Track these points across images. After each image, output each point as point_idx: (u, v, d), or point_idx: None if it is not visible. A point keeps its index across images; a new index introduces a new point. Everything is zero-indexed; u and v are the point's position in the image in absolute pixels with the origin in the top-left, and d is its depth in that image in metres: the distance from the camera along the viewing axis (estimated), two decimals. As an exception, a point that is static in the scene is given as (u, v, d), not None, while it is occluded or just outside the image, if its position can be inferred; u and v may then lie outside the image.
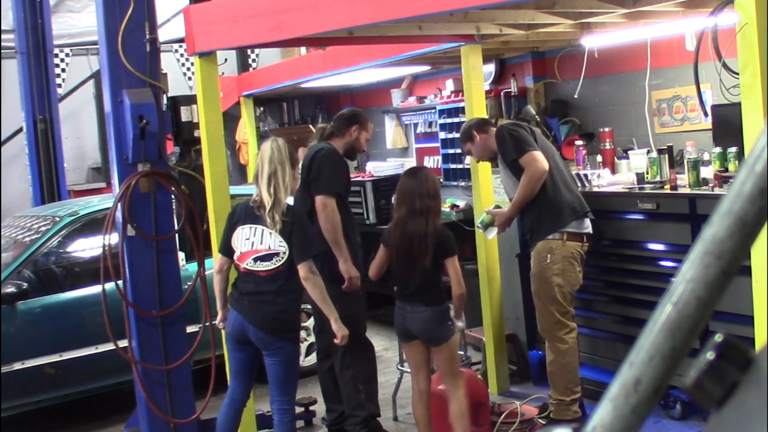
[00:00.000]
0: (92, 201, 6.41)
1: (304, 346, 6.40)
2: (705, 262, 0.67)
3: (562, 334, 4.78)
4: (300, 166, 5.04)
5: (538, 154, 4.72)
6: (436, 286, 4.42)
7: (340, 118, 5.13)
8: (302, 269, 4.09)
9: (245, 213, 4.23)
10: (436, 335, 4.39)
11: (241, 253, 4.21)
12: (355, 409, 4.97)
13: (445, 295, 4.45)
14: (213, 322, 4.54)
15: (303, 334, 6.38)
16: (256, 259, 4.15)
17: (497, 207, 5.21)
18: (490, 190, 5.75)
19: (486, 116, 5.89)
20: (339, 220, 4.78)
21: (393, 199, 7.92)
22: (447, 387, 4.47)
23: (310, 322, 6.00)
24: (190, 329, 4.85)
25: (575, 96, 6.43)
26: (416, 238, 4.29)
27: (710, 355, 0.68)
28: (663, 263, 4.93)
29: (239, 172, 9.90)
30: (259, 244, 4.15)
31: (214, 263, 4.47)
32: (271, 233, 4.11)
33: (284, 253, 4.11)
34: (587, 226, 4.88)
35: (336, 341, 4.27)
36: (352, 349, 4.81)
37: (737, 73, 3.54)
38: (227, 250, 4.28)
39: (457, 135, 7.86)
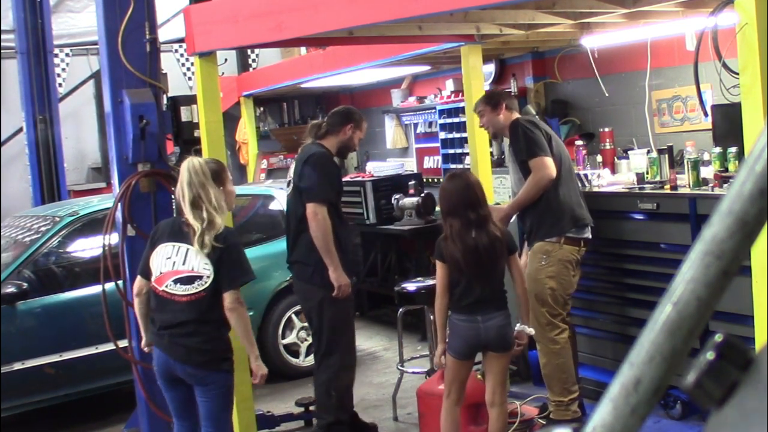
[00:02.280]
0: (92, 201, 6.41)
1: (304, 346, 6.40)
2: (705, 262, 0.67)
3: (554, 335, 4.77)
4: (291, 170, 5.06)
5: (549, 161, 4.69)
6: (503, 288, 4.23)
7: (336, 115, 5.07)
8: (228, 298, 3.69)
9: (170, 229, 3.83)
10: (510, 340, 4.17)
11: (160, 273, 3.76)
12: (322, 411, 4.98)
13: None
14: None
15: (303, 334, 6.38)
16: (176, 281, 3.71)
17: (497, 204, 5.20)
18: (490, 190, 5.75)
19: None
20: (330, 228, 4.74)
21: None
22: (496, 398, 4.22)
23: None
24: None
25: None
26: (483, 249, 4.08)
27: (710, 355, 0.68)
28: (663, 263, 4.93)
29: (239, 172, 9.90)
30: (181, 264, 3.72)
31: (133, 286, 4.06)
32: (196, 253, 3.69)
33: (208, 277, 3.68)
34: (587, 232, 4.87)
35: (254, 381, 3.92)
36: (335, 355, 4.85)
37: (737, 73, 3.54)
38: (146, 271, 3.85)
39: (457, 135, 7.88)
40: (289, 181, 5.04)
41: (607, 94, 6.51)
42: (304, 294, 4.98)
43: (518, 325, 4.23)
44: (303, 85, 8.26)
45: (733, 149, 4.64)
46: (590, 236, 4.87)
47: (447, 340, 4.21)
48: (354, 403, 5.12)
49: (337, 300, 4.76)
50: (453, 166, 8.02)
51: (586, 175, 5.57)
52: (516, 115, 4.96)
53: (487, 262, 4.11)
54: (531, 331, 4.29)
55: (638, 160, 5.58)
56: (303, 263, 4.88)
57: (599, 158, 6.02)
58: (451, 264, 4.13)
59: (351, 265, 4.98)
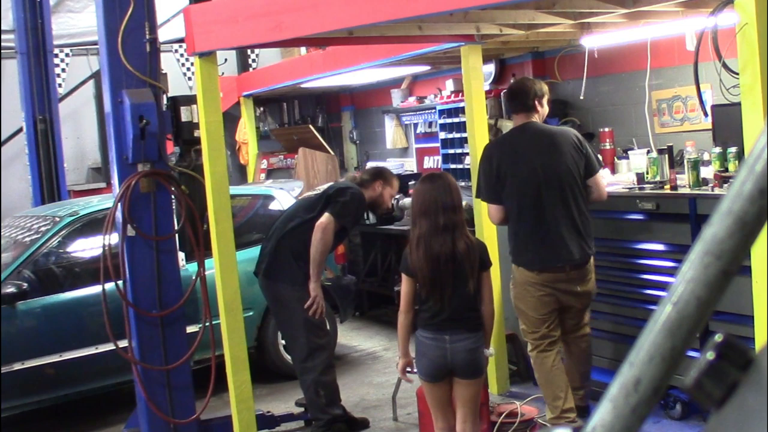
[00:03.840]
0: (92, 201, 6.41)
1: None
2: (705, 262, 0.67)
3: (529, 350, 4.76)
4: (320, 188, 5.32)
5: (490, 208, 4.73)
6: (478, 308, 3.89)
7: (367, 172, 5.40)
8: None
9: None
10: (480, 366, 3.90)
11: None
12: (317, 413, 5.06)
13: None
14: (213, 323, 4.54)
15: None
16: None
17: None
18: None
19: (487, 115, 5.89)
20: (330, 245, 4.97)
21: (407, 208, 7.83)
22: (467, 429, 3.96)
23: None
24: (190, 329, 4.85)
25: (581, 97, 6.42)
26: (449, 257, 3.75)
27: (710, 355, 0.68)
28: (663, 263, 4.93)
29: (239, 172, 9.90)
30: None
31: None
32: None
33: None
34: (551, 265, 4.58)
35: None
36: (312, 355, 4.98)
37: (737, 73, 3.54)
38: None
39: (457, 135, 7.88)
40: (305, 194, 5.29)
41: (581, 97, 6.51)
42: (277, 293, 5.11)
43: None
44: (303, 85, 8.26)
45: (733, 149, 4.64)
46: (562, 265, 4.56)
47: (414, 357, 3.98)
48: (354, 402, 5.14)
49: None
50: (453, 166, 8.02)
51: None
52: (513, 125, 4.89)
53: (453, 273, 3.77)
54: (490, 353, 3.98)
55: (638, 160, 5.58)
56: (284, 265, 5.04)
57: (599, 158, 6.01)
58: (418, 275, 3.81)
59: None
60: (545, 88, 4.78)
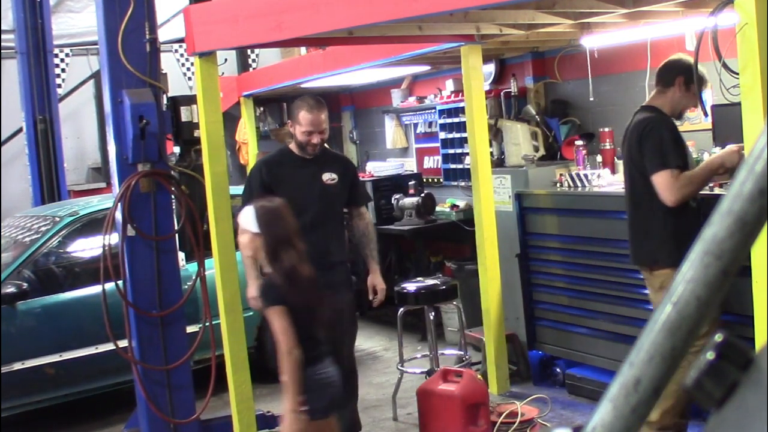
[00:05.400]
0: (92, 201, 6.42)
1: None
2: (705, 262, 0.67)
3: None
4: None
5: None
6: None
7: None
8: None
9: None
10: None
11: None
12: None
13: None
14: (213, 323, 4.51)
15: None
16: None
17: None
18: (490, 190, 5.75)
19: (487, 115, 5.88)
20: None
21: (407, 208, 7.72)
22: None
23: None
24: (190, 329, 4.85)
25: (590, 98, 6.40)
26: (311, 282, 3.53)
27: (710, 355, 0.68)
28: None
29: (239, 172, 9.89)
30: None
31: None
32: None
33: None
34: None
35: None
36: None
37: (737, 73, 3.54)
38: None
39: (457, 135, 7.87)
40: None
41: (583, 97, 6.51)
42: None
43: None
44: (303, 85, 8.25)
45: (733, 149, 4.62)
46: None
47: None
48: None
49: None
50: (453, 166, 8.01)
51: (586, 175, 5.58)
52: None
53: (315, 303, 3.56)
54: None
55: (638, 160, 5.58)
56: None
57: (599, 158, 6.01)
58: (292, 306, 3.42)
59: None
60: (704, 77, 4.26)
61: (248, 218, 3.48)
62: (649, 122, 4.18)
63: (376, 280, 4.98)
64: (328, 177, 4.73)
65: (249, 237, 3.49)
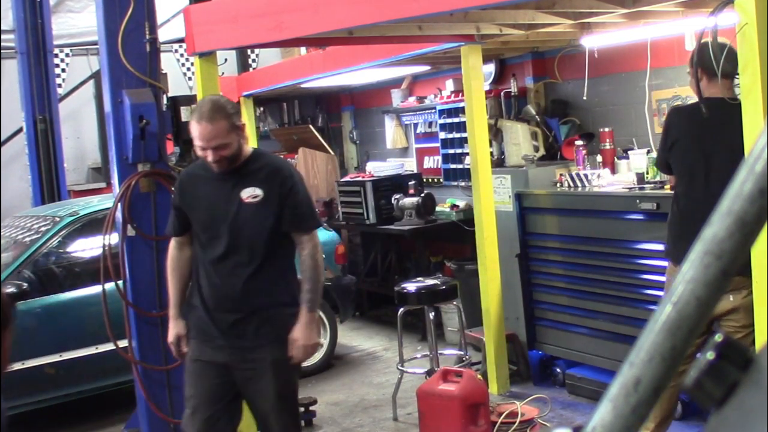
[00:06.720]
0: (92, 201, 6.41)
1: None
2: (705, 262, 0.67)
3: None
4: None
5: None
6: None
7: None
8: None
9: None
10: None
11: None
12: None
13: None
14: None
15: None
16: None
17: None
18: (490, 190, 5.75)
19: (487, 115, 5.87)
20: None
21: (407, 208, 7.76)
22: None
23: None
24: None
25: (584, 98, 6.40)
26: None
27: (710, 355, 0.68)
28: (663, 263, 4.92)
29: (239, 172, 9.88)
30: None
31: None
32: None
33: None
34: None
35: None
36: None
37: (737, 73, 3.54)
38: None
39: (457, 135, 7.88)
40: None
41: (582, 97, 6.51)
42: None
43: None
44: (303, 85, 8.25)
45: (733, 149, 4.61)
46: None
47: None
48: (354, 402, 5.13)
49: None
50: (453, 166, 8.01)
51: (586, 175, 5.58)
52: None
53: None
54: None
55: (638, 160, 5.58)
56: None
57: (599, 158, 6.02)
58: None
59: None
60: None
61: None
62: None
63: (295, 332, 3.54)
64: (250, 194, 3.56)
65: None
